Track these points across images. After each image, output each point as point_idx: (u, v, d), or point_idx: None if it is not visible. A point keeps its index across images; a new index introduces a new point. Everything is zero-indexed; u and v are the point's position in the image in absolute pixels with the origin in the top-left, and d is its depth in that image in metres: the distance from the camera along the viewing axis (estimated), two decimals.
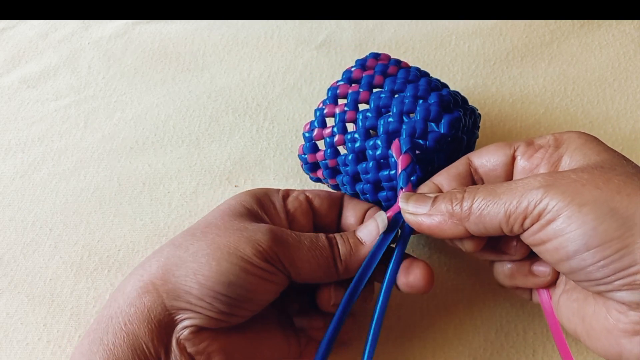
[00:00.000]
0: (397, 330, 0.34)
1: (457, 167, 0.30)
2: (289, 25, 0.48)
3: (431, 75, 0.35)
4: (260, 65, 0.46)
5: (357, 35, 0.47)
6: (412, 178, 0.30)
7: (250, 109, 0.43)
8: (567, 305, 0.27)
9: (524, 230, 0.25)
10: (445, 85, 0.34)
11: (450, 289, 0.35)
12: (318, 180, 0.36)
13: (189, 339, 0.26)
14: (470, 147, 0.35)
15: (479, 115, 0.35)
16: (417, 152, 0.30)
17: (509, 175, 0.29)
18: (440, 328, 0.34)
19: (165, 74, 0.46)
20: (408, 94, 0.31)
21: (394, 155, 0.30)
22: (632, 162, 0.25)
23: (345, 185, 0.34)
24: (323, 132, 0.33)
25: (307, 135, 0.34)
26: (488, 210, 0.25)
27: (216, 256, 0.26)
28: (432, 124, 0.31)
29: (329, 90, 0.33)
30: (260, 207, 0.30)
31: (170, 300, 0.26)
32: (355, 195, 0.34)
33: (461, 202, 0.26)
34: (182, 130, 0.42)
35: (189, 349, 0.26)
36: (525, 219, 0.24)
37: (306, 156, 0.34)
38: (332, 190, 0.33)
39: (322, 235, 0.29)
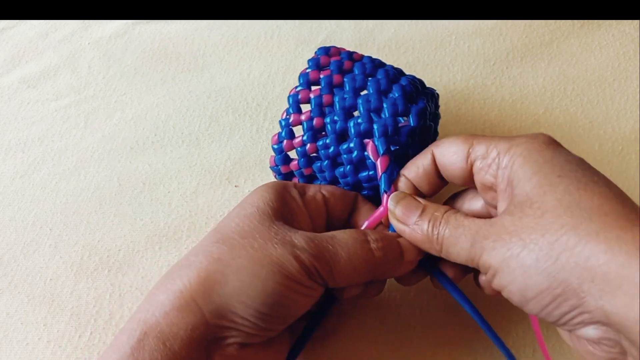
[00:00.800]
0: (397, 330, 0.34)
1: (423, 164, 0.30)
2: (289, 25, 0.48)
3: (431, 75, 0.35)
4: (260, 65, 0.46)
5: (357, 35, 0.47)
6: (393, 178, 0.30)
7: (250, 109, 0.43)
8: (560, 330, 0.27)
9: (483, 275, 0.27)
10: (401, 72, 0.33)
11: None
12: (288, 175, 0.35)
13: (233, 355, 0.26)
14: (435, 130, 0.36)
15: (437, 95, 0.35)
16: (392, 148, 0.30)
17: (467, 181, 0.29)
18: (440, 328, 0.34)
19: (165, 74, 0.46)
20: (371, 91, 0.31)
21: (371, 157, 0.30)
22: (567, 177, 0.24)
23: (323, 171, 0.33)
24: (293, 142, 0.32)
25: (276, 147, 0.33)
26: (452, 250, 0.27)
27: (261, 276, 0.25)
28: (400, 118, 0.31)
29: (289, 97, 0.32)
30: (286, 206, 0.29)
31: (214, 319, 0.25)
32: (333, 182, 0.34)
33: (438, 232, 0.27)
34: (182, 130, 0.42)
35: None
36: (478, 267, 0.26)
37: (279, 167, 0.33)
38: (343, 189, 0.32)
39: (360, 239, 0.28)
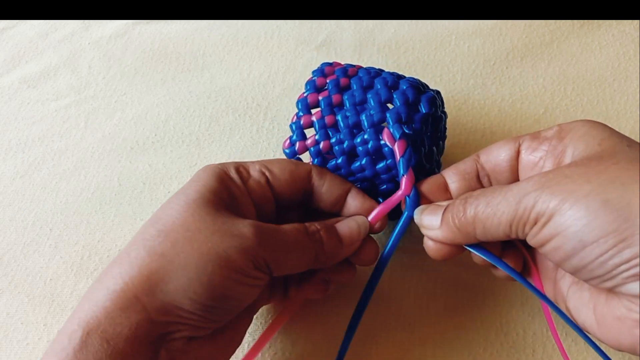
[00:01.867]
0: (397, 330, 0.34)
1: (464, 162, 0.30)
2: (289, 25, 0.48)
3: (431, 75, 0.35)
4: (260, 65, 0.46)
5: (357, 35, 0.47)
6: (411, 163, 0.30)
7: (250, 109, 0.43)
8: (577, 296, 0.26)
9: (526, 235, 0.25)
10: (402, 76, 0.34)
11: (450, 289, 0.35)
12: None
13: (180, 350, 0.26)
14: (445, 126, 0.36)
15: (440, 94, 0.35)
16: (407, 132, 0.30)
17: (513, 170, 0.29)
18: (440, 328, 0.34)
19: (165, 74, 0.46)
20: (379, 86, 0.32)
21: (387, 143, 0.30)
22: (637, 146, 0.25)
23: (340, 168, 0.33)
24: (306, 143, 0.32)
25: (288, 151, 0.33)
26: (490, 222, 0.25)
27: (207, 270, 0.25)
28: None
29: (298, 102, 0.33)
30: (229, 193, 0.28)
31: (159, 316, 0.25)
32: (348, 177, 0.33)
33: (464, 214, 0.26)
34: (182, 130, 0.42)
35: (181, 357, 0.26)
36: (525, 224, 0.24)
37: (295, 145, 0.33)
38: (296, 164, 0.31)
39: (302, 230, 0.28)
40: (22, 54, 0.47)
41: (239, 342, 0.30)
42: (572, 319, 0.27)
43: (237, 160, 0.39)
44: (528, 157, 0.28)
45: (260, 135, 0.42)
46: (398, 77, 0.33)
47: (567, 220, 0.22)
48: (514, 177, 0.29)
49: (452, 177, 0.30)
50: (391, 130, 0.30)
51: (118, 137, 0.42)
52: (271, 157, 0.41)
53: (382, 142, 0.31)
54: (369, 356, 0.33)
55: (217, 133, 0.42)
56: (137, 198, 0.39)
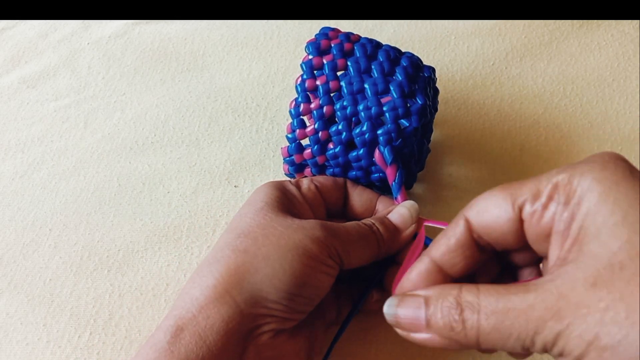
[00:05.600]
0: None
1: (454, 235, 0.24)
2: (289, 25, 0.48)
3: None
4: (260, 65, 0.46)
5: None
6: (402, 182, 0.32)
7: (250, 109, 0.43)
8: None
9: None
10: (396, 60, 0.33)
11: None
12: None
13: (268, 343, 0.27)
14: (435, 107, 0.37)
15: (434, 70, 0.35)
16: (395, 144, 0.32)
17: (520, 240, 0.23)
18: None
19: (165, 74, 0.46)
20: (376, 75, 0.32)
21: (379, 164, 0.32)
22: None
23: (336, 175, 0.34)
24: (306, 131, 0.33)
25: (290, 136, 0.34)
26: (500, 343, 0.20)
27: (288, 259, 0.27)
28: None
29: (297, 86, 0.33)
30: (289, 201, 0.31)
31: (248, 308, 0.26)
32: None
33: (463, 327, 0.21)
34: (182, 130, 0.42)
35: (266, 354, 0.27)
36: (545, 351, 0.20)
37: (293, 157, 0.34)
38: (335, 177, 0.34)
39: (361, 224, 0.30)
40: (22, 54, 0.47)
41: (316, 347, 0.30)
42: None
43: (236, 160, 0.39)
44: (535, 227, 0.22)
45: (260, 135, 0.42)
46: (394, 60, 0.33)
47: (608, 354, 0.18)
48: (521, 243, 0.23)
49: (445, 258, 0.24)
50: (383, 153, 0.32)
51: (117, 138, 0.42)
52: (271, 157, 0.41)
53: (374, 159, 0.32)
54: (369, 356, 0.33)
55: (217, 133, 0.42)
56: (137, 198, 0.39)
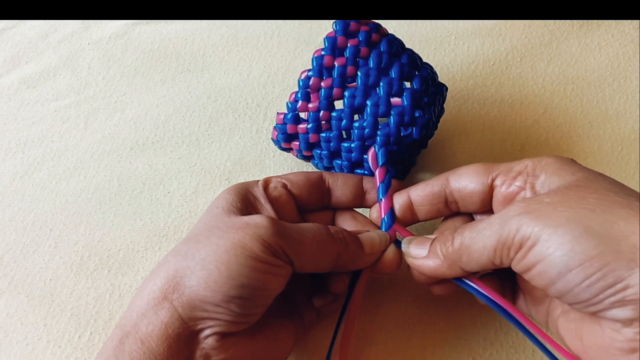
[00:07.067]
0: (397, 330, 0.34)
1: (432, 185, 0.31)
2: (289, 26, 0.48)
3: None
4: (260, 65, 0.46)
5: None
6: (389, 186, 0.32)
7: (250, 109, 0.43)
8: (565, 326, 0.27)
9: (511, 260, 0.25)
10: (416, 67, 0.33)
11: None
12: (286, 150, 0.35)
13: (215, 347, 0.26)
14: (438, 118, 0.36)
15: (446, 88, 0.35)
16: (392, 148, 0.32)
17: (485, 203, 0.29)
18: (440, 328, 0.34)
19: (165, 75, 0.46)
20: (394, 76, 0.32)
21: (370, 163, 0.32)
22: (609, 178, 0.26)
23: (322, 159, 0.34)
24: (308, 105, 0.32)
25: (290, 105, 0.33)
26: (475, 247, 0.26)
27: (224, 260, 0.25)
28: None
29: (313, 59, 0.33)
30: (248, 204, 0.30)
31: (187, 312, 0.25)
32: (327, 169, 0.35)
33: (451, 243, 0.27)
34: (182, 130, 0.42)
35: (216, 358, 0.26)
36: (510, 249, 0.25)
37: (286, 126, 0.33)
38: (307, 172, 0.33)
39: (322, 227, 0.29)
40: (22, 54, 0.47)
41: (285, 346, 0.30)
42: (565, 347, 0.27)
43: (236, 160, 0.39)
44: (503, 191, 0.28)
45: (260, 136, 0.42)
46: (413, 68, 0.33)
47: (552, 245, 0.23)
48: (485, 208, 0.30)
49: (419, 199, 0.31)
50: (377, 153, 0.31)
51: (118, 138, 0.42)
52: (271, 157, 0.41)
53: (366, 156, 0.32)
54: (369, 356, 0.33)
55: (217, 133, 0.42)
56: (137, 198, 0.39)
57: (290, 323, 0.30)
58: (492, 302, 0.28)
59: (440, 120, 0.37)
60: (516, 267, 0.25)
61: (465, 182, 0.30)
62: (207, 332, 0.26)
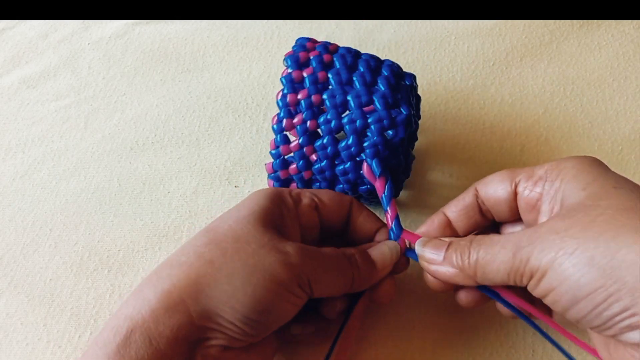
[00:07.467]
0: (397, 330, 0.34)
1: (464, 199, 0.30)
2: (289, 26, 0.48)
3: (431, 75, 0.35)
4: (260, 65, 0.46)
5: (356, 35, 0.47)
6: (392, 195, 0.31)
7: (250, 109, 0.43)
8: (595, 337, 0.27)
9: (526, 286, 0.25)
10: (377, 70, 0.33)
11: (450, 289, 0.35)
12: (287, 181, 0.35)
13: (215, 357, 0.26)
14: (418, 114, 0.37)
15: (414, 77, 0.35)
16: (384, 156, 0.32)
17: (512, 209, 0.29)
18: (440, 328, 0.34)
19: (165, 75, 0.46)
20: (358, 87, 0.32)
21: (367, 177, 0.32)
22: (622, 189, 0.25)
23: (321, 182, 0.34)
24: (290, 147, 0.33)
25: (274, 152, 0.33)
26: (489, 268, 0.26)
27: (252, 281, 0.25)
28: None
29: (278, 102, 0.33)
30: (280, 215, 0.29)
31: (200, 320, 0.25)
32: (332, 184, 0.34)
33: (468, 257, 0.27)
34: (182, 130, 0.42)
35: None
36: (522, 276, 0.25)
37: (278, 173, 0.34)
38: (340, 195, 0.33)
39: (340, 253, 0.29)
40: (22, 54, 0.47)
41: (268, 356, 0.30)
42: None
43: (237, 160, 0.39)
44: (525, 197, 0.28)
45: (260, 136, 0.42)
46: (372, 81, 0.33)
47: (558, 277, 0.23)
48: (515, 217, 0.30)
49: (455, 215, 0.31)
50: (370, 164, 0.31)
51: (118, 138, 0.42)
52: (271, 158, 0.41)
53: (362, 172, 0.32)
54: (369, 356, 0.33)
55: (217, 133, 0.42)
56: (137, 198, 0.39)
57: (275, 338, 0.30)
58: (520, 314, 0.29)
59: (441, 120, 0.37)
60: (532, 292, 0.25)
61: (491, 190, 0.29)
62: (212, 342, 0.26)
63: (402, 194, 0.39)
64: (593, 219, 0.23)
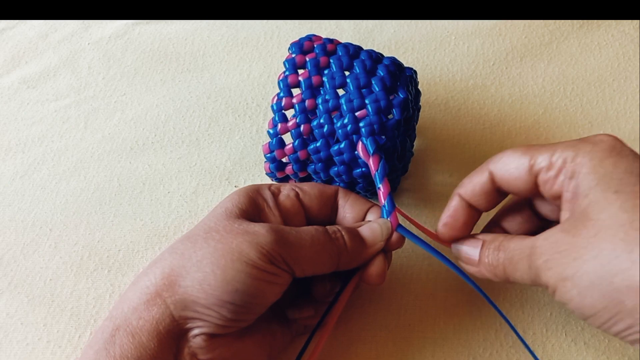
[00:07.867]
0: (397, 330, 0.34)
1: (479, 182, 0.30)
2: (289, 26, 0.48)
3: (431, 75, 0.35)
4: (260, 65, 0.46)
5: (356, 35, 0.47)
6: (386, 173, 0.31)
7: (250, 109, 0.43)
8: None
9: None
10: (378, 60, 0.34)
11: (450, 289, 0.35)
12: (283, 179, 0.36)
13: (202, 347, 0.26)
14: (417, 103, 0.37)
15: (415, 72, 0.35)
16: (381, 142, 0.32)
17: (530, 187, 0.28)
18: (440, 328, 0.34)
19: (165, 75, 0.46)
20: (351, 88, 0.32)
21: (362, 156, 0.32)
22: (623, 192, 0.24)
23: (318, 173, 0.34)
24: (287, 125, 0.33)
25: (271, 131, 0.34)
26: (513, 276, 0.28)
27: (220, 264, 0.26)
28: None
29: (279, 82, 0.33)
30: (255, 207, 0.30)
31: (178, 311, 0.26)
32: (329, 181, 0.35)
33: (498, 259, 0.28)
34: (182, 130, 0.42)
35: (202, 357, 0.26)
36: (541, 286, 0.27)
37: (274, 153, 0.34)
38: (324, 185, 0.33)
39: (320, 229, 0.29)
40: (22, 54, 0.47)
41: (272, 351, 0.30)
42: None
43: (237, 160, 0.39)
44: (549, 192, 0.27)
45: (260, 136, 0.42)
46: (372, 69, 0.33)
47: (565, 296, 0.25)
48: (533, 192, 0.29)
49: (469, 194, 0.30)
50: (365, 143, 0.32)
51: (118, 138, 0.42)
52: None
53: (357, 152, 0.32)
54: (369, 356, 0.33)
55: (217, 133, 0.42)
56: (137, 198, 0.39)
57: (279, 329, 0.30)
58: (461, 272, 0.31)
59: (441, 120, 0.37)
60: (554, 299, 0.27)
61: (509, 177, 0.28)
62: (195, 331, 0.26)
63: (402, 194, 0.39)
64: (591, 238, 0.24)
